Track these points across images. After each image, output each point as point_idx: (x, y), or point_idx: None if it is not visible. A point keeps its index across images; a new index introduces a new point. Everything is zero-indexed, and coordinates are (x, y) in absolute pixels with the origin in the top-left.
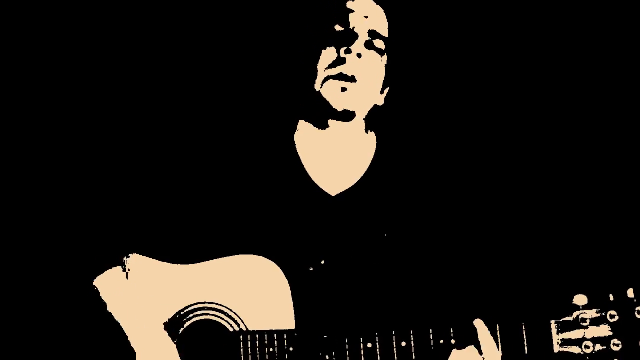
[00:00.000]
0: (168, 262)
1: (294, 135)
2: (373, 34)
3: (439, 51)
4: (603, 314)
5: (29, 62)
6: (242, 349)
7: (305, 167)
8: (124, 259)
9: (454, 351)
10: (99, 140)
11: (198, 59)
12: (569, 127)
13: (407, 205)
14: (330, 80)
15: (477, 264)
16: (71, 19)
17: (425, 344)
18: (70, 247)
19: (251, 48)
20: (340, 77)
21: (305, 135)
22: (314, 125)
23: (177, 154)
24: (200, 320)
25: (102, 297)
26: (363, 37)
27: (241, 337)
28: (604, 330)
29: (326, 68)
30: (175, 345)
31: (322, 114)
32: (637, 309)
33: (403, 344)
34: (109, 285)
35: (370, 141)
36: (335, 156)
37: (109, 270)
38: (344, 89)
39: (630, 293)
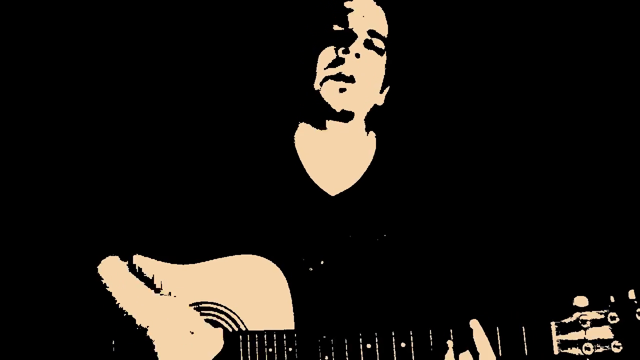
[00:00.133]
0: (168, 262)
1: (294, 135)
2: (372, 33)
3: (440, 51)
4: (604, 315)
5: (29, 62)
6: (241, 349)
7: (305, 167)
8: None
9: (450, 352)
10: (99, 141)
11: (197, 60)
12: (569, 127)
13: (407, 206)
14: (329, 80)
15: (476, 264)
16: (71, 19)
17: (425, 345)
18: (71, 248)
19: (250, 48)
20: (339, 77)
21: (305, 135)
22: (314, 126)
23: (177, 155)
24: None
25: (102, 297)
26: (362, 37)
27: (240, 337)
28: (604, 332)
29: (325, 68)
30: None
31: (321, 115)
32: (638, 310)
33: (403, 344)
34: (109, 285)
35: (370, 141)
36: (335, 156)
37: (109, 270)
38: (342, 90)
39: (631, 295)
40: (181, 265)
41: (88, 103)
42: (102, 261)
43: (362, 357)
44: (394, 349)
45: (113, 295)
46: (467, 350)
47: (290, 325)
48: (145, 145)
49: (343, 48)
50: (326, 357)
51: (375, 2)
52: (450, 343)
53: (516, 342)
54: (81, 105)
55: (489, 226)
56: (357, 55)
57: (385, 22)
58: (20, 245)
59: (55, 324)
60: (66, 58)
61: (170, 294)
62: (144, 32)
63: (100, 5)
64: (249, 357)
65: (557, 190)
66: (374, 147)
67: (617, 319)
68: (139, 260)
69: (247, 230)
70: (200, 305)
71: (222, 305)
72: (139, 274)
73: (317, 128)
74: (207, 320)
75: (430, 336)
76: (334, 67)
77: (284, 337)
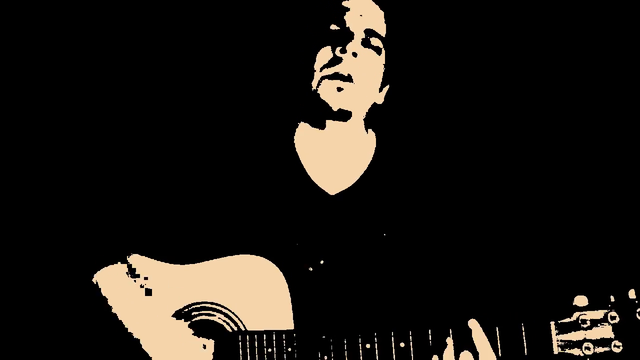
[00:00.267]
0: (167, 262)
1: (293, 135)
2: (370, 32)
3: (439, 49)
4: (604, 315)
5: (29, 62)
6: (240, 349)
7: (304, 166)
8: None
9: (449, 351)
10: (99, 141)
11: (196, 60)
12: (569, 126)
13: (407, 205)
14: (327, 80)
15: (476, 264)
16: (71, 19)
17: (424, 344)
18: (71, 248)
19: (250, 48)
20: (336, 76)
21: (304, 135)
22: (313, 125)
23: (177, 155)
24: (199, 320)
25: (101, 298)
26: (359, 36)
27: (240, 337)
28: (605, 332)
29: (322, 68)
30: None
31: (320, 114)
32: (638, 310)
33: (402, 344)
34: (108, 285)
35: (369, 140)
36: (334, 156)
37: (109, 271)
38: (340, 89)
39: (631, 294)
40: (181, 265)
41: (86, 103)
42: (100, 271)
43: (361, 357)
44: (393, 349)
45: (109, 302)
46: (467, 350)
47: (290, 325)
48: (145, 145)
49: (340, 47)
50: (325, 357)
51: (373, 1)
52: (450, 340)
53: (516, 342)
54: (81, 106)
55: (489, 225)
56: (355, 55)
57: (383, 20)
58: (19, 245)
59: (54, 324)
60: (66, 58)
61: (167, 295)
62: (143, 32)
63: (100, 5)
64: (249, 357)
65: (557, 190)
66: (374, 146)
67: (618, 319)
68: (138, 260)
69: (246, 230)
70: (199, 306)
71: (221, 305)
72: (136, 275)
73: (316, 127)
74: (206, 321)
75: (430, 336)
76: (331, 66)
77: (284, 337)
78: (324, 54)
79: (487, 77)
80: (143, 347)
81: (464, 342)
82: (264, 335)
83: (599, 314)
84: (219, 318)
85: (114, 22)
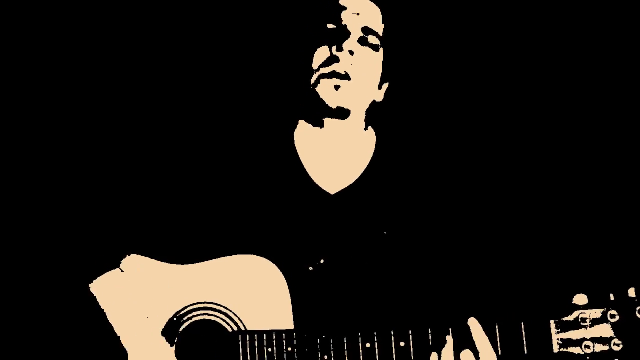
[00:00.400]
0: (167, 262)
1: (293, 134)
2: (366, 30)
3: (438, 46)
4: (603, 313)
5: (29, 62)
6: (240, 349)
7: (304, 165)
8: (123, 259)
9: (449, 349)
10: (98, 141)
11: (195, 61)
12: (569, 125)
13: (407, 203)
14: (324, 78)
15: (476, 263)
16: (71, 19)
17: (424, 344)
18: (70, 248)
19: (249, 48)
20: (333, 75)
21: (304, 133)
22: (312, 124)
23: (176, 155)
24: (199, 320)
25: (101, 298)
26: (356, 34)
27: (240, 337)
28: (604, 330)
29: (319, 67)
30: (173, 347)
31: (318, 113)
32: (638, 308)
33: (402, 343)
34: (108, 285)
35: (369, 138)
36: (334, 154)
37: (108, 271)
38: (337, 87)
39: (631, 292)
40: (180, 265)
41: (88, 104)
42: (99, 272)
43: (361, 357)
44: (393, 348)
45: (109, 302)
46: (467, 349)
47: (290, 325)
48: (144, 145)
49: (336, 46)
50: (325, 357)
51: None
52: (449, 339)
53: (516, 340)
54: (81, 106)
55: (489, 224)
56: (351, 53)
57: (380, 18)
58: (19, 246)
59: (53, 324)
60: (66, 58)
61: (167, 295)
62: (142, 31)
63: (99, 6)
64: (249, 356)
65: (557, 189)
66: (374, 144)
67: (617, 317)
68: (138, 260)
69: (246, 230)
70: (199, 306)
71: (221, 305)
72: (135, 275)
73: (315, 126)
74: (206, 320)
75: (430, 335)
76: (328, 65)
77: (283, 337)
78: (321, 53)
79: (486, 75)
80: (143, 347)
81: (464, 341)
82: (264, 335)
83: (598, 313)
84: (219, 318)
85: (114, 22)
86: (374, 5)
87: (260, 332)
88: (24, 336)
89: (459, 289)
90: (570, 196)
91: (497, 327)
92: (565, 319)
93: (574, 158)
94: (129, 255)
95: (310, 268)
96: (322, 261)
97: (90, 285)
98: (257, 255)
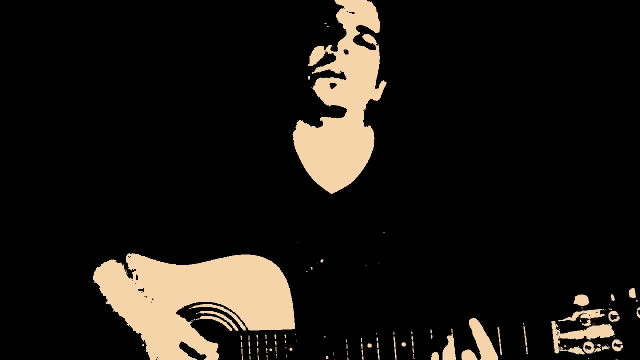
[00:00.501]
0: (168, 262)
1: (292, 134)
2: (362, 29)
3: (436, 45)
4: (604, 314)
5: (29, 62)
6: (242, 349)
7: (304, 165)
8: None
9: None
10: (99, 141)
11: (194, 62)
12: (570, 125)
13: (407, 203)
14: (320, 78)
15: (477, 263)
16: (71, 19)
17: (426, 344)
18: (71, 248)
19: (248, 48)
20: (329, 74)
21: (303, 133)
22: (310, 124)
23: (176, 155)
24: (200, 320)
25: (101, 298)
26: (352, 33)
27: (241, 337)
28: (605, 331)
29: (315, 66)
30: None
31: (315, 112)
32: (638, 309)
33: (403, 344)
34: (108, 285)
35: (368, 138)
36: (333, 154)
37: (108, 271)
38: (333, 85)
39: (632, 293)
40: (181, 265)
41: (88, 104)
42: (99, 267)
43: (362, 357)
44: (395, 349)
45: (108, 301)
46: (468, 350)
47: (291, 325)
48: (145, 145)
49: (331, 45)
50: (327, 357)
51: None
52: (450, 339)
53: (517, 341)
54: (81, 106)
55: (490, 225)
56: (346, 52)
57: (377, 17)
58: (20, 247)
59: (53, 325)
60: (66, 58)
61: (168, 295)
62: (140, 31)
63: (98, 6)
64: (250, 357)
65: (558, 189)
66: (372, 144)
67: (618, 318)
68: (138, 260)
69: (246, 230)
70: (200, 306)
71: (222, 306)
72: (135, 275)
73: (313, 125)
74: (207, 321)
75: (431, 336)
76: (324, 64)
77: (285, 337)
78: (317, 52)
79: (484, 74)
80: (143, 347)
81: (465, 342)
82: (265, 335)
83: (599, 313)
84: (220, 318)
85: (113, 22)
86: (371, 4)
87: (261, 333)
88: (24, 335)
89: (460, 289)
90: (571, 197)
91: (498, 327)
92: (566, 319)
93: (575, 159)
94: (130, 255)
95: (311, 268)
96: (322, 261)
97: (90, 285)
98: (257, 255)
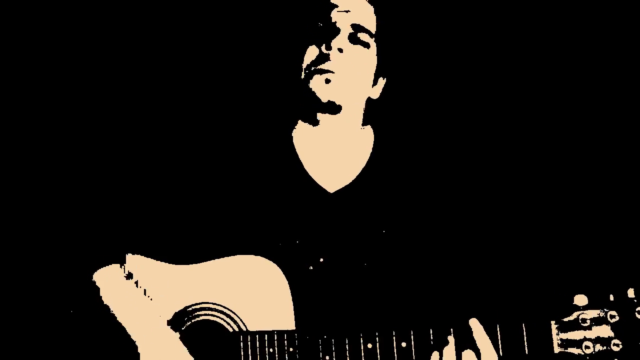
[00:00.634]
0: (168, 262)
1: (292, 133)
2: (357, 27)
3: (435, 42)
4: (603, 314)
5: (29, 62)
6: (242, 350)
7: (303, 165)
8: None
9: (451, 349)
10: (98, 141)
11: (194, 62)
12: (570, 125)
13: (407, 202)
14: (315, 76)
15: (477, 263)
16: (71, 19)
17: (426, 344)
18: (71, 248)
19: (247, 47)
20: (323, 72)
21: (302, 133)
22: (308, 122)
23: (176, 155)
24: (200, 320)
25: (101, 298)
26: (346, 31)
27: (241, 337)
28: (604, 331)
29: (310, 65)
30: (180, 343)
31: (311, 108)
32: (637, 309)
33: (403, 344)
34: (107, 285)
35: (367, 136)
36: (332, 153)
37: (108, 271)
38: (328, 81)
39: (630, 293)
40: (181, 265)
41: (88, 104)
42: (98, 271)
43: (363, 357)
44: (395, 349)
45: (106, 303)
46: (468, 349)
47: (291, 325)
48: (144, 145)
49: (325, 44)
50: (327, 357)
51: None
52: (451, 339)
53: (517, 341)
54: (81, 106)
55: (490, 224)
56: (340, 50)
57: (373, 15)
58: (20, 247)
59: (53, 324)
60: (66, 58)
61: (168, 296)
62: (138, 31)
63: (97, 6)
64: (250, 357)
65: (557, 189)
66: (372, 143)
67: (617, 318)
68: (138, 260)
69: (246, 230)
70: (200, 306)
71: (222, 306)
72: (135, 275)
73: (311, 124)
74: (207, 321)
75: (431, 335)
76: (318, 64)
77: (285, 337)
78: (312, 51)
79: (483, 71)
80: (143, 347)
81: (465, 341)
82: (266, 336)
83: (598, 313)
84: (220, 318)
85: (112, 22)
86: (366, 2)
87: (261, 333)
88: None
89: (460, 289)
90: (571, 197)
91: (498, 327)
92: (565, 319)
93: (575, 159)
94: (130, 255)
95: (311, 267)
96: (321, 260)
97: (91, 284)
98: (257, 255)
